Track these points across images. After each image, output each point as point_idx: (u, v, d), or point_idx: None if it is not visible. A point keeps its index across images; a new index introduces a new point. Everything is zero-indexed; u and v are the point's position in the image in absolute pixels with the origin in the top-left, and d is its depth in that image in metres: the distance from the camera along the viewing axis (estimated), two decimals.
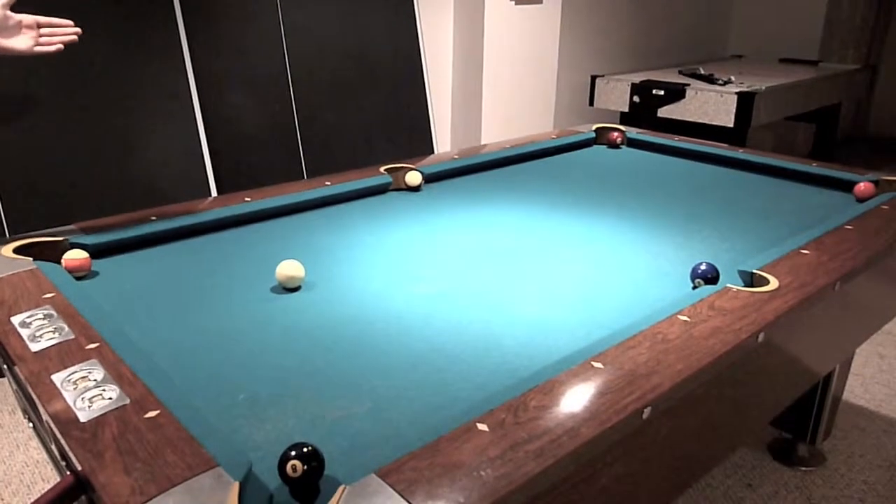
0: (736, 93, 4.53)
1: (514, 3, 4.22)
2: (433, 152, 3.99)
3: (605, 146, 3.08)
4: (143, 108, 2.95)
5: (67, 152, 2.80)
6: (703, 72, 5.32)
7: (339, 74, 3.54)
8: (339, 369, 1.34)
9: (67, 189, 2.80)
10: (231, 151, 3.18)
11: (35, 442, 2.60)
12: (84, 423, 1.09)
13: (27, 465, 2.50)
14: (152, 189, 2.96)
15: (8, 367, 1.45)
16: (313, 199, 2.23)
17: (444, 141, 4.40)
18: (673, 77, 5.22)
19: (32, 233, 1.87)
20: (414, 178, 2.41)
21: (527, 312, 1.57)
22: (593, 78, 5.06)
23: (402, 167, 2.47)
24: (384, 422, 1.17)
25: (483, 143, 4.32)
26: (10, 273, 1.66)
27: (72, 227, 1.93)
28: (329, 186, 2.29)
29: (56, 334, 1.36)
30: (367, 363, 1.36)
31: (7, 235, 2.63)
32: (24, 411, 1.55)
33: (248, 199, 2.14)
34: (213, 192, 3.10)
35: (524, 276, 1.76)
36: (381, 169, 2.46)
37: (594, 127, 3.15)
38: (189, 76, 3.02)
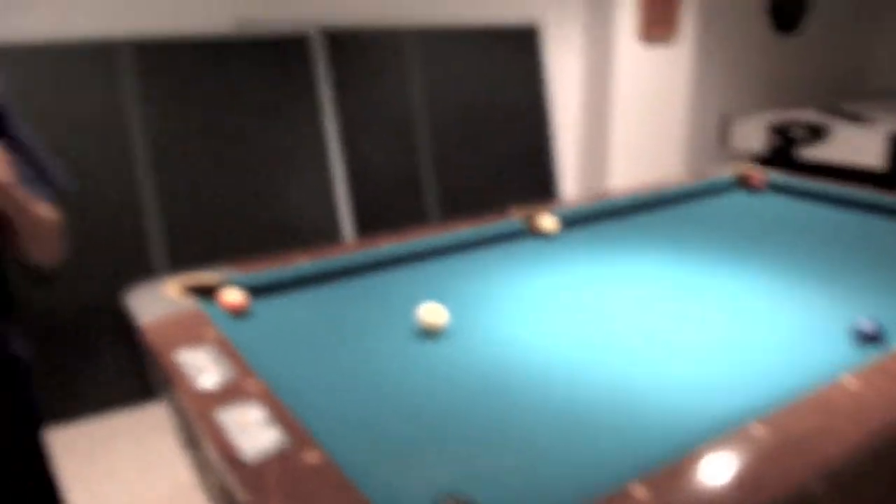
0: (886, 133, 4.25)
1: (642, 43, 4.18)
2: (559, 196, 3.97)
3: (744, 191, 2.96)
4: (288, 154, 3.13)
5: (220, 196, 3.00)
6: (845, 109, 5.03)
7: (469, 119, 3.62)
8: (484, 420, 1.34)
9: (221, 231, 2.99)
10: (367, 196, 3.31)
11: (186, 466, 2.75)
12: (248, 462, 1.15)
13: (178, 489, 2.64)
14: (294, 231, 3.12)
15: (171, 400, 1.55)
16: (450, 243, 2.26)
17: (570, 184, 4.37)
18: (812, 115, 4.97)
19: (193, 271, 2.00)
20: (549, 223, 2.40)
21: (676, 370, 1.52)
22: (726, 117, 4.89)
23: (536, 212, 2.47)
24: (535, 479, 1.16)
25: (610, 186, 4.26)
26: (175, 310, 1.78)
27: (228, 266, 2.05)
28: (464, 231, 2.32)
29: (219, 373, 1.44)
30: (514, 416, 1.35)
31: (169, 272, 2.83)
32: (184, 441, 1.65)
33: (388, 244, 2.21)
34: (351, 235, 3.22)
35: (670, 330, 1.71)
36: (514, 213, 2.47)
37: (733, 170, 3.04)
38: (331, 124, 3.18)
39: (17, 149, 1.28)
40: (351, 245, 2.21)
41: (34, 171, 1.29)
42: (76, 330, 2.79)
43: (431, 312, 1.70)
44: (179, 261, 2.90)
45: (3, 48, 2.53)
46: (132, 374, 2.84)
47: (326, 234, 3.20)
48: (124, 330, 2.64)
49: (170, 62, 2.86)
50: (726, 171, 3.05)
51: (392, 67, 3.39)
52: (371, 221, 3.32)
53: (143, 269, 2.82)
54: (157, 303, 1.82)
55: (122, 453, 2.78)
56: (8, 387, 1.37)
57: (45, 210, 1.31)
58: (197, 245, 2.95)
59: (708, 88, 5.28)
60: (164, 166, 2.87)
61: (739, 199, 2.85)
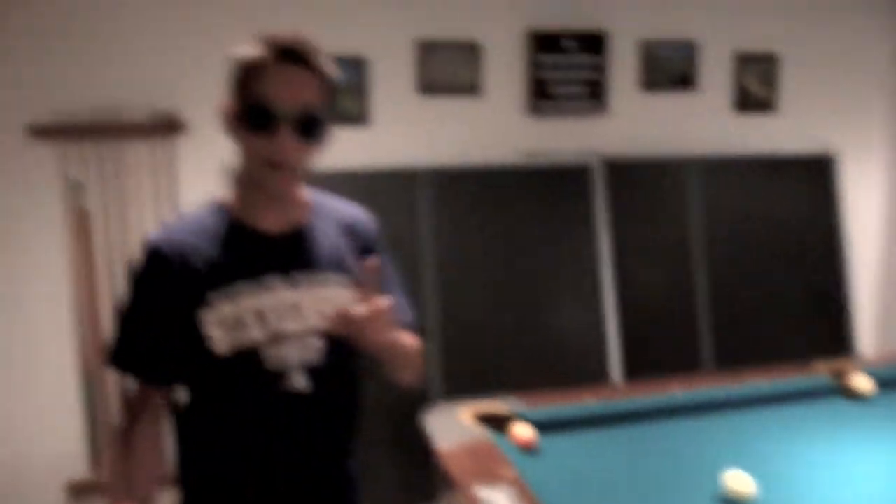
0: None
1: None
2: (855, 348, 3.54)
3: None
4: (561, 281, 3.17)
5: (494, 320, 3.09)
6: None
7: (752, 250, 3.42)
8: None
9: (491, 354, 3.06)
10: (636, 328, 3.22)
11: None
12: None
13: None
14: (562, 360, 3.11)
15: None
16: (747, 395, 2.10)
17: (868, 335, 3.86)
18: None
19: (480, 400, 2.06)
20: (864, 383, 2.13)
21: None
22: None
23: (845, 368, 2.22)
24: None
25: None
26: (469, 440, 1.83)
27: (514, 397, 2.08)
28: (762, 383, 2.14)
29: None
30: None
31: (442, 394, 2.96)
32: None
33: (681, 389, 2.11)
34: (619, 369, 3.13)
35: None
36: (819, 368, 2.24)
37: None
38: (605, 253, 3.18)
39: (387, 280, 1.37)
40: (639, 386, 2.14)
41: (398, 302, 1.35)
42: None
43: (739, 481, 1.56)
44: (452, 381, 2.99)
45: (340, 173, 2.89)
46: (405, 481, 2.94)
47: (594, 363, 3.14)
48: (405, 440, 2.79)
49: (460, 188, 3.09)
50: None
51: (670, 197, 3.34)
52: (640, 356, 3.20)
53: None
54: (451, 427, 1.89)
55: None
56: None
57: (410, 339, 1.38)
58: (468, 367, 3.02)
59: None
60: (447, 286, 3.05)
61: None
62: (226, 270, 1.22)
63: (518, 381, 2.93)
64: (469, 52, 3.11)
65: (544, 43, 3.16)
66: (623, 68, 3.29)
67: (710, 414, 2.04)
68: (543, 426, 1.94)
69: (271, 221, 1.27)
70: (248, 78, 1.20)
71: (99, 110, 2.79)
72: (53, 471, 2.87)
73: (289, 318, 1.23)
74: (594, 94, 3.25)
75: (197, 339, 1.21)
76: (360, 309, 1.16)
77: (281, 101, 1.17)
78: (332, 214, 1.35)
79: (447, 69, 3.11)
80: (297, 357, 1.23)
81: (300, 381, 1.24)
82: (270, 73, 1.18)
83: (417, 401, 2.91)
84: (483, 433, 1.87)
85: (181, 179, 2.90)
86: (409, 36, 3.06)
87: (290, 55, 1.18)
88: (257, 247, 1.25)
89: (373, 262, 1.20)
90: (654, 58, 3.30)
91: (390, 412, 2.88)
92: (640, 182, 3.33)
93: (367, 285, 1.19)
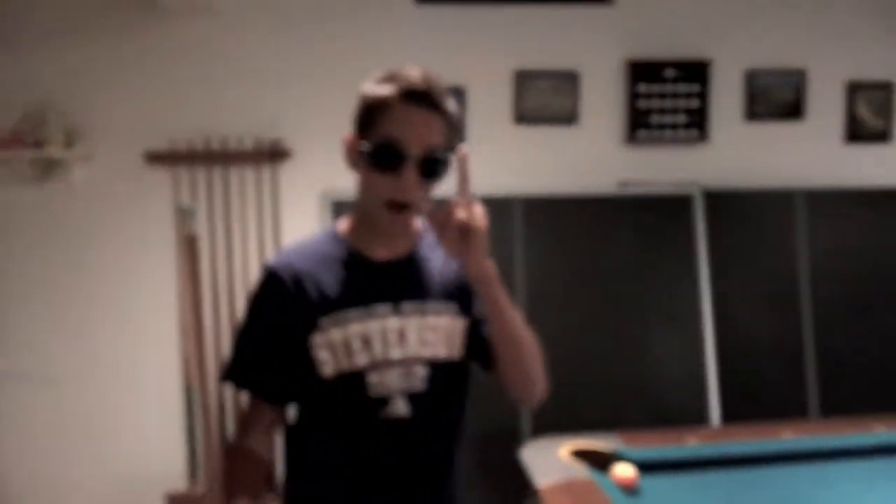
0: None
1: None
2: None
3: None
4: (655, 312, 3.08)
5: (585, 350, 3.03)
6: None
7: (862, 288, 3.23)
8: None
9: (583, 385, 2.99)
10: (737, 367, 3.08)
11: None
12: None
13: None
14: (657, 395, 3.01)
15: None
16: (863, 445, 1.97)
17: None
18: None
19: (577, 436, 2.02)
20: None
21: None
22: None
23: None
24: None
25: None
26: (568, 477, 1.80)
27: (612, 435, 2.03)
28: (867, 433, 2.01)
29: None
30: None
31: (528, 431, 2.92)
32: None
33: (785, 437, 2.01)
34: (716, 410, 3.01)
35: None
36: None
37: None
38: (703, 283, 3.08)
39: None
40: (743, 430, 2.05)
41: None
42: None
43: None
44: (541, 416, 2.93)
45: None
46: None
47: (692, 402, 3.02)
48: (494, 474, 2.76)
49: (554, 217, 3.06)
50: None
51: (775, 231, 3.21)
52: (741, 397, 3.07)
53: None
54: (550, 463, 1.86)
55: None
56: None
57: (528, 331, 1.33)
58: (557, 401, 2.93)
59: None
60: (538, 317, 3.00)
61: None
62: (337, 297, 1.26)
63: (609, 417, 2.85)
64: (566, 81, 3.10)
65: (644, 71, 3.12)
66: (726, 97, 3.20)
67: (817, 463, 1.93)
68: (645, 466, 1.88)
69: (382, 250, 1.30)
70: (375, 116, 1.21)
71: (210, 138, 2.93)
72: (154, 483, 2.99)
73: (394, 346, 1.25)
74: (695, 124, 3.17)
75: (306, 361, 1.24)
76: (460, 212, 1.15)
77: (407, 142, 1.18)
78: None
79: (544, 98, 3.10)
80: (399, 384, 1.25)
81: (401, 408, 1.25)
82: (398, 113, 1.19)
83: (507, 435, 2.89)
84: (583, 471, 1.83)
85: (283, 205, 3.00)
86: (507, 65, 3.08)
87: (419, 97, 1.19)
88: (368, 274, 1.28)
89: (463, 150, 1.18)
90: (760, 86, 3.20)
91: (479, 445, 2.85)
92: (743, 214, 3.21)
93: (461, 179, 1.18)
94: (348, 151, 1.28)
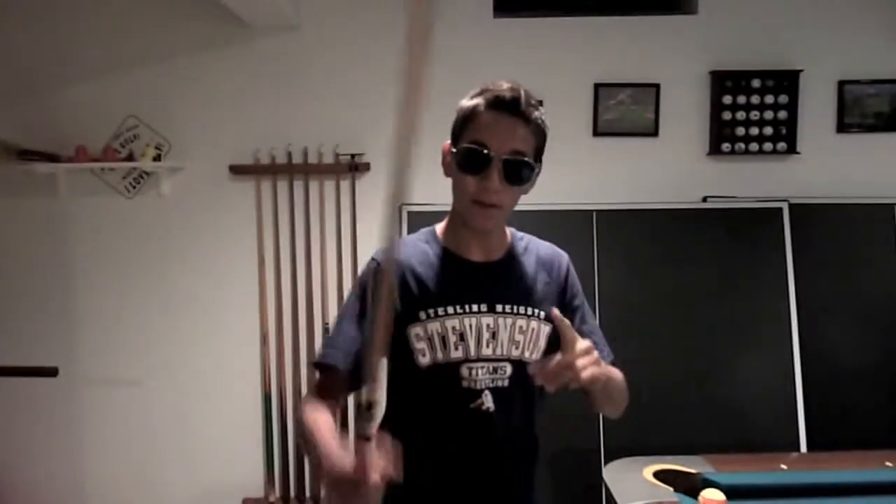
0: None
1: None
2: None
3: None
4: (739, 331, 2.96)
5: (659, 369, 2.93)
6: None
7: None
8: None
9: (659, 411, 2.90)
10: (826, 388, 2.94)
11: None
12: None
13: None
14: (740, 419, 2.89)
15: None
16: None
17: None
18: None
19: (661, 459, 1.96)
20: None
21: None
22: None
23: None
24: None
25: None
26: (653, 499, 1.74)
27: (698, 458, 1.96)
28: None
29: None
30: None
31: (605, 452, 2.85)
32: None
33: (887, 466, 1.89)
34: (803, 432, 2.88)
35: None
36: None
37: None
38: (791, 303, 2.95)
39: (582, 315, 1.43)
40: (840, 458, 1.95)
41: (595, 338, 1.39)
42: None
43: None
44: (616, 436, 2.86)
45: (529, 212, 2.91)
46: None
47: (779, 426, 2.89)
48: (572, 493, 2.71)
49: (635, 230, 2.98)
50: None
51: (869, 246, 3.05)
52: (830, 421, 2.92)
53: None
54: (636, 485, 1.81)
55: None
56: None
57: (617, 372, 1.40)
58: (634, 421, 2.85)
59: None
60: (617, 331, 2.94)
61: None
62: (437, 293, 1.33)
63: (689, 440, 2.76)
64: (647, 93, 3.04)
65: (729, 82, 3.03)
66: (816, 108, 3.08)
67: None
68: (733, 492, 1.81)
69: (476, 252, 1.37)
70: (465, 124, 1.30)
71: (292, 151, 3.00)
72: (232, 488, 3.06)
73: (486, 343, 1.32)
74: (783, 136, 3.06)
75: (403, 350, 1.31)
76: (562, 359, 1.17)
77: (491, 145, 1.26)
78: (531, 250, 1.43)
79: (625, 110, 3.05)
80: (488, 379, 1.32)
81: (489, 401, 1.31)
82: (484, 119, 1.27)
83: (583, 455, 2.82)
84: (669, 493, 1.77)
85: (360, 216, 3.03)
86: (586, 77, 3.04)
87: (504, 104, 1.26)
88: (464, 274, 1.36)
89: (556, 313, 1.24)
90: (853, 98, 3.06)
91: (556, 465, 2.81)
92: (834, 229, 3.06)
93: (563, 332, 1.21)
94: (443, 158, 1.36)
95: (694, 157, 3.09)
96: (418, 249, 1.38)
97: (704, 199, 3.08)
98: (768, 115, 3.04)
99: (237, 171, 3.00)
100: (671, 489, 1.79)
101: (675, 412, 2.91)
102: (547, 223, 2.99)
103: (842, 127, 3.09)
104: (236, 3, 2.66)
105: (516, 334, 1.34)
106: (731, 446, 2.66)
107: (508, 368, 1.33)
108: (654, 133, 3.06)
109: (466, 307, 1.32)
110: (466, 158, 1.28)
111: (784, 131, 3.05)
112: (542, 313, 1.36)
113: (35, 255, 3.06)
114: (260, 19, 2.91)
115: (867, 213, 3.06)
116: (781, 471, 1.89)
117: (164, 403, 3.09)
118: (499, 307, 1.34)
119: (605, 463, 2.15)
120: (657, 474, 1.86)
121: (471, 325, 1.32)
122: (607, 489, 1.82)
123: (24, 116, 3.00)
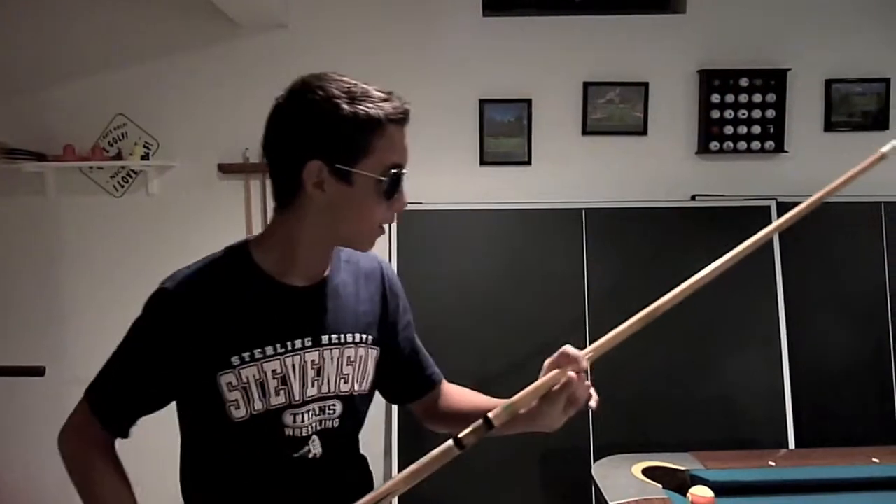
0: None
1: None
2: None
3: None
4: (728, 329, 2.97)
5: (649, 366, 2.94)
6: None
7: None
8: None
9: (648, 408, 2.90)
10: (814, 386, 2.96)
11: None
12: None
13: None
14: (729, 416, 2.90)
15: None
16: None
17: None
18: None
19: (651, 456, 1.96)
20: None
21: None
22: None
23: None
24: None
25: None
26: (643, 496, 1.75)
27: (688, 455, 1.97)
28: None
29: None
30: None
31: (593, 449, 2.85)
32: None
33: (873, 463, 1.91)
34: (791, 429, 2.89)
35: None
36: None
37: None
38: (779, 300, 2.96)
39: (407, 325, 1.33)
40: (829, 454, 1.96)
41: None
42: None
43: None
44: (604, 433, 2.86)
45: (504, 211, 2.97)
46: None
47: (767, 423, 2.90)
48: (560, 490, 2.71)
49: (624, 229, 2.99)
50: None
51: (858, 244, 3.07)
52: (820, 418, 2.94)
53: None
54: (625, 482, 1.81)
55: None
56: None
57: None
58: (622, 418, 2.87)
59: None
60: (606, 330, 2.95)
61: None
62: (251, 331, 1.12)
63: (679, 437, 2.78)
64: (636, 92, 3.05)
65: (717, 81, 3.04)
66: (803, 107, 3.10)
67: None
68: (722, 489, 1.81)
69: (299, 276, 1.16)
70: (367, 139, 1.09)
71: None
72: None
73: (311, 382, 1.15)
74: (770, 135, 3.07)
75: (213, 404, 1.11)
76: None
77: (404, 165, 1.12)
78: (352, 261, 1.25)
79: (613, 109, 3.06)
80: (315, 422, 1.17)
81: (316, 447, 1.17)
82: (395, 136, 1.11)
83: (572, 453, 2.83)
84: (658, 490, 1.77)
85: None
86: (575, 76, 3.04)
87: (405, 116, 1.12)
88: (285, 304, 1.15)
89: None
90: (840, 96, 3.08)
91: (545, 463, 2.82)
92: (821, 227, 3.08)
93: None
94: (317, 177, 1.11)
95: (682, 156, 3.11)
96: (223, 277, 1.14)
97: (693, 198, 3.09)
98: (756, 113, 3.06)
99: (226, 169, 2.99)
100: (660, 486, 1.80)
101: (664, 409, 2.92)
102: (536, 222, 3.01)
103: (829, 125, 3.11)
104: (225, 1, 2.65)
105: (344, 366, 1.18)
106: (720, 443, 2.68)
107: (338, 407, 1.18)
108: (643, 132, 3.07)
109: (288, 344, 1.13)
110: (394, 186, 1.10)
111: (772, 130, 3.07)
112: (370, 337, 1.22)
113: (23, 254, 3.04)
114: (249, 18, 2.90)
115: (855, 212, 3.08)
116: (770, 467, 1.90)
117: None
118: (324, 338, 1.16)
119: (595, 460, 2.16)
120: (646, 471, 1.87)
121: (293, 366, 1.13)
122: (596, 486, 1.82)
123: (11, 115, 2.98)
